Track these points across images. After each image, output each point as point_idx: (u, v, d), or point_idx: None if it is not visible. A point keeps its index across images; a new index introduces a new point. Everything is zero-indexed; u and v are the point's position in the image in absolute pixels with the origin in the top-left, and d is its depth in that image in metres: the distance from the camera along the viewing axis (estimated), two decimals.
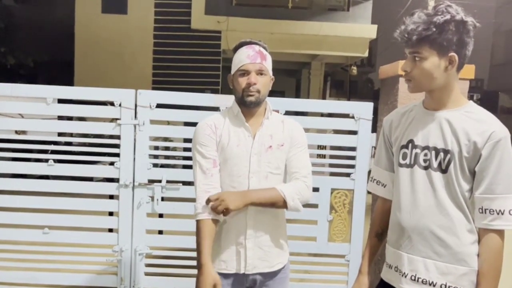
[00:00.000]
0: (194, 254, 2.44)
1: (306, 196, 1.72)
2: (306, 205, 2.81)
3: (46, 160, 2.78)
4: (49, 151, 3.04)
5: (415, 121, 1.54)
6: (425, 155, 1.47)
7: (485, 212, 1.38)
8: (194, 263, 2.32)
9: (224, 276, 1.71)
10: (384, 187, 1.68)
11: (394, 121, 1.63)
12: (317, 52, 10.87)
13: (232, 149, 1.67)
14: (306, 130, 2.30)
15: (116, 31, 10.28)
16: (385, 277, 1.61)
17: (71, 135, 3.86)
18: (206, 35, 10.39)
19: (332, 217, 2.88)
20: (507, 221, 1.36)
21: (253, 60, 1.64)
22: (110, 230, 3.00)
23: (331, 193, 2.86)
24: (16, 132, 3.49)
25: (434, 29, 1.37)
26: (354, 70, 12.11)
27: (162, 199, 2.80)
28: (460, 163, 1.41)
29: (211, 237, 1.61)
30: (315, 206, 2.85)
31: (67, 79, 9.87)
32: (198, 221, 1.62)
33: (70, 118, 4.04)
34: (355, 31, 10.31)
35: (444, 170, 1.43)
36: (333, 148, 3.07)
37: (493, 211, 1.37)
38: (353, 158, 2.84)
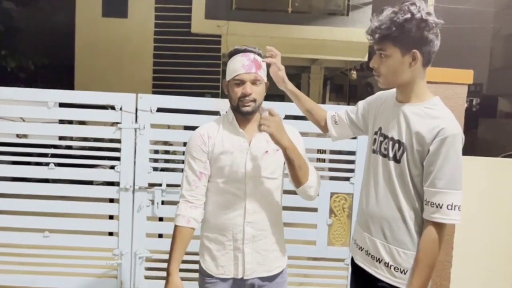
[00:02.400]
0: (194, 257, 2.46)
1: (319, 188, 1.74)
2: (306, 209, 2.85)
3: (47, 164, 2.79)
4: (50, 155, 3.05)
5: (386, 110, 1.62)
6: (386, 143, 1.56)
7: (428, 204, 1.46)
8: (194, 266, 2.33)
9: (222, 280, 1.72)
10: (335, 123, 1.87)
11: (377, 105, 1.70)
12: (316, 57, 10.88)
13: (227, 155, 1.67)
14: (306, 134, 2.31)
15: (117, 35, 10.29)
16: (350, 249, 1.78)
17: (71, 138, 3.87)
18: (206, 39, 10.40)
19: (331, 221, 2.89)
20: (444, 215, 1.42)
21: (248, 70, 1.64)
22: (110, 234, 3.00)
23: (331, 197, 2.88)
24: (17, 135, 3.50)
25: (394, 28, 1.44)
26: (354, 74, 12.09)
27: (162, 202, 2.81)
28: (412, 155, 1.48)
29: (183, 245, 1.69)
30: (314, 210, 2.86)
31: (68, 83, 9.89)
32: (175, 227, 1.68)
33: (70, 122, 4.05)
34: (354, 35, 10.33)
35: (398, 160, 1.52)
36: (332, 152, 3.08)
37: (433, 204, 1.44)
38: (352, 162, 2.86)
